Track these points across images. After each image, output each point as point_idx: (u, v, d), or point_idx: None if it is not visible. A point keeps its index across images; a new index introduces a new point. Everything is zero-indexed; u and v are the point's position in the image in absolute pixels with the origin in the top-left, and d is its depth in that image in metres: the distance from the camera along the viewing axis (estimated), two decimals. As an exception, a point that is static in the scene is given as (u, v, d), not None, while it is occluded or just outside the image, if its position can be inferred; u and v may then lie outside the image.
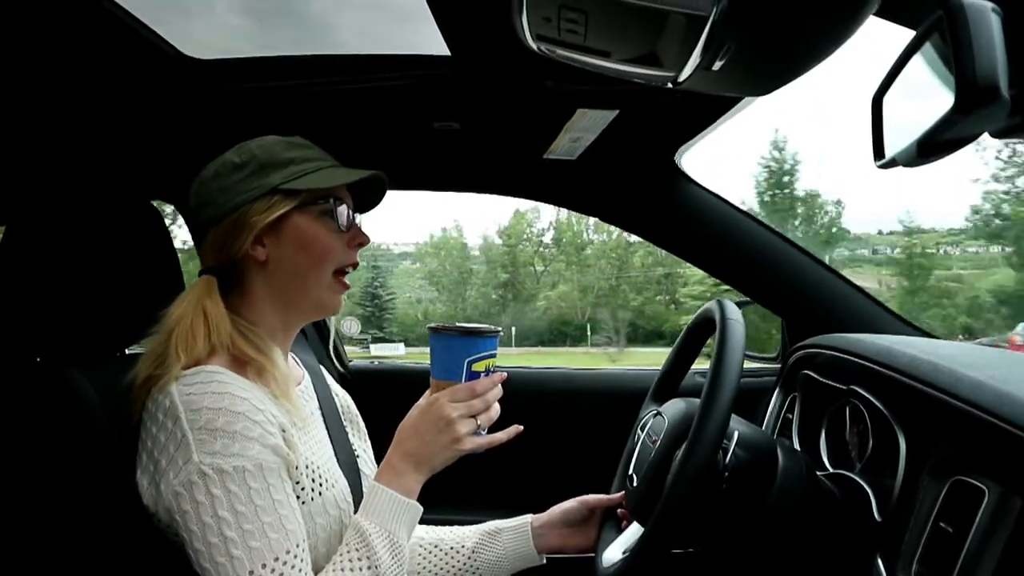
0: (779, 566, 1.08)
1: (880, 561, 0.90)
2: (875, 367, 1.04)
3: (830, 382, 1.21)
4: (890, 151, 0.68)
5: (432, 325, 0.96)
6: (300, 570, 0.84)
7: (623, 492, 1.19)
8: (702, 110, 1.29)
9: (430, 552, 1.20)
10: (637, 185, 1.56)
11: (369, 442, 1.18)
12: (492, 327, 0.96)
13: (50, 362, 0.93)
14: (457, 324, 0.96)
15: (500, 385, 0.97)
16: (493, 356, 0.97)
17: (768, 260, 1.58)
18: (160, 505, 0.84)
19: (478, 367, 0.94)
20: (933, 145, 0.54)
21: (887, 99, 0.72)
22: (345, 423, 1.13)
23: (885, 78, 0.69)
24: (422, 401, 0.97)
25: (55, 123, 1.40)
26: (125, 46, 1.14)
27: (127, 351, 1.07)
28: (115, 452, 0.90)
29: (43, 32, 1.09)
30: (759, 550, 1.05)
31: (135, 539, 0.86)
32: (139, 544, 0.86)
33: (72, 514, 0.89)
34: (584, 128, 1.29)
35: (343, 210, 1.01)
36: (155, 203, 1.25)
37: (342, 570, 0.87)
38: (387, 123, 1.40)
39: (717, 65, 0.59)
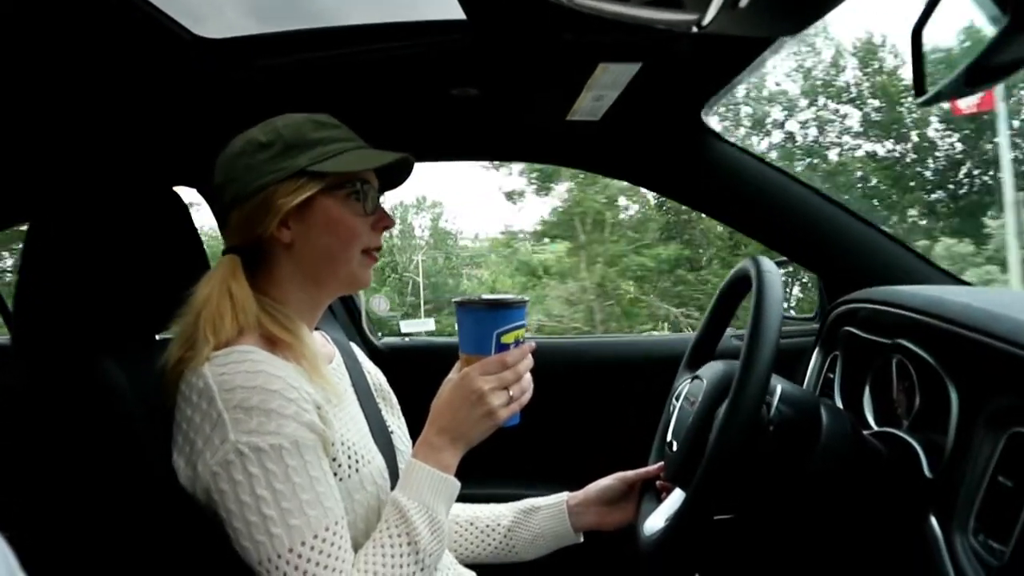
0: (825, 529, 1.05)
1: (934, 519, 0.86)
2: (924, 318, 0.99)
3: (874, 337, 1.16)
4: (933, 85, 0.64)
5: (458, 299, 0.94)
6: (340, 547, 0.84)
7: (661, 463, 1.18)
8: (727, 60, 1.24)
9: (466, 530, 1.20)
10: (663, 144, 1.51)
11: (403, 419, 1.17)
12: (519, 297, 0.94)
13: (81, 351, 0.94)
14: (483, 296, 0.94)
15: (531, 356, 0.95)
16: (522, 327, 0.94)
17: (802, 216, 1.53)
18: (198, 486, 0.85)
19: (507, 339, 0.93)
20: (984, 71, 0.50)
21: (927, 31, 0.68)
22: (378, 400, 1.12)
23: (925, 8, 0.65)
24: (453, 376, 0.95)
25: (74, 114, 1.40)
26: (139, 30, 1.13)
27: (159, 337, 1.07)
28: (148, 437, 0.90)
29: (58, 23, 1.08)
30: (804, 513, 1.03)
31: (174, 521, 0.87)
32: (178, 525, 0.86)
33: (107, 499, 0.90)
34: (607, 85, 1.25)
35: (370, 193, 0.99)
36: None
37: (382, 546, 0.86)
38: (404, 93, 1.38)
39: (743, 2, 0.55)
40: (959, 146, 16.25)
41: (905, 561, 0.93)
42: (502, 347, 0.93)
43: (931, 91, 0.64)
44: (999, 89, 10.26)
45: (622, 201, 15.33)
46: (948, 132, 16.36)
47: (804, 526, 1.07)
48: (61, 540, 0.89)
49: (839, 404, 1.24)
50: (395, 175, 1.07)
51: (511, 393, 0.92)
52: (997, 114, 10.27)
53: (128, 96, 1.35)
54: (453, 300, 0.95)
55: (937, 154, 16.60)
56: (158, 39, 1.16)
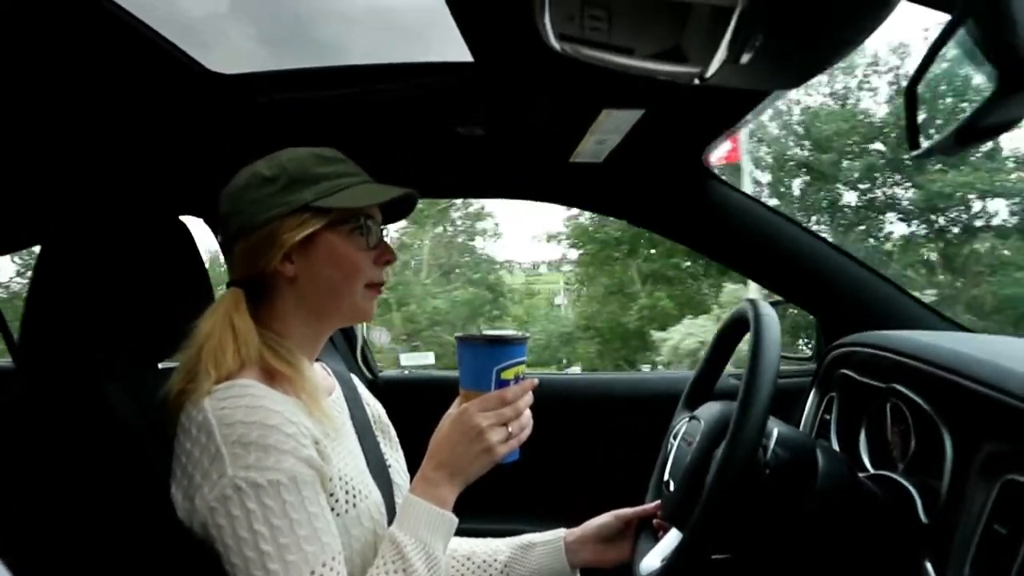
0: (822, 571, 1.05)
1: (929, 565, 0.87)
2: (916, 363, 1.01)
3: (869, 380, 1.18)
4: (925, 141, 0.66)
5: (459, 335, 0.95)
6: None
7: (658, 502, 1.18)
8: (729, 106, 1.27)
9: (463, 565, 1.19)
10: (665, 186, 1.54)
11: (401, 452, 1.17)
12: (519, 334, 0.95)
13: (85, 375, 0.94)
14: (484, 332, 0.96)
15: (531, 392, 0.96)
16: (522, 363, 0.95)
17: (800, 258, 1.55)
18: (195, 520, 0.84)
19: (507, 375, 0.93)
20: (973, 132, 0.52)
21: (921, 88, 0.70)
22: (377, 433, 1.12)
23: (919, 66, 0.67)
24: (452, 411, 0.96)
25: (87, 142, 1.42)
26: (153, 64, 1.16)
27: (162, 366, 1.08)
28: (152, 465, 0.90)
29: (73, 54, 1.11)
30: (800, 555, 1.03)
31: (171, 553, 0.86)
32: (175, 558, 0.86)
33: (108, 527, 0.89)
34: (610, 129, 1.28)
35: (373, 228, 1.00)
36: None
37: None
38: (411, 131, 1.41)
39: (745, 58, 0.57)
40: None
41: None
42: (502, 383, 0.93)
43: (924, 146, 0.66)
44: (744, 140, 10.40)
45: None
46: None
47: (800, 568, 1.06)
48: (60, 566, 0.89)
49: (835, 446, 1.24)
50: (398, 208, 1.08)
51: (510, 430, 0.92)
52: (741, 167, 10.43)
53: (139, 126, 1.37)
54: (455, 336, 0.96)
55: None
56: (171, 73, 1.19)
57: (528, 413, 0.95)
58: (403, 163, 1.53)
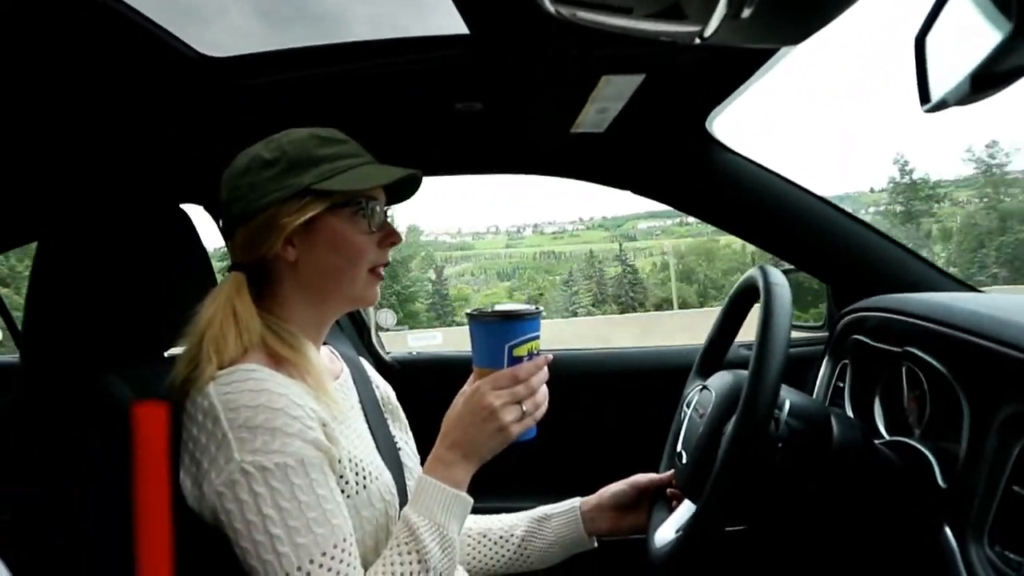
0: (839, 540, 1.04)
1: (949, 530, 0.85)
2: (932, 326, 0.99)
3: (883, 345, 1.16)
4: (937, 92, 0.63)
5: (470, 311, 0.93)
6: (349, 564, 0.83)
7: (672, 471, 1.17)
8: (731, 69, 1.24)
9: (479, 543, 1.19)
10: (669, 155, 1.51)
11: (411, 434, 1.17)
12: (531, 308, 0.92)
13: (87, 368, 0.94)
14: (495, 308, 0.93)
15: (546, 368, 0.94)
16: (535, 339, 0.93)
17: (810, 225, 1.52)
18: (205, 506, 0.84)
19: (520, 351, 0.91)
20: (990, 78, 0.49)
21: (930, 38, 0.67)
22: (386, 415, 1.12)
23: (928, 16, 0.64)
24: (466, 389, 0.94)
25: (82, 133, 1.41)
26: (145, 51, 1.14)
27: (167, 354, 1.07)
28: None
29: (63, 43, 1.09)
30: (816, 524, 1.02)
31: (181, 541, 0.86)
32: (185, 546, 0.86)
33: (112, 518, 0.89)
34: (610, 97, 1.25)
35: (376, 210, 0.98)
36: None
37: (391, 563, 0.86)
38: (409, 107, 1.38)
39: (746, 13, 0.55)
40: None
41: (920, 572, 0.91)
42: (515, 360, 0.91)
43: (936, 99, 0.63)
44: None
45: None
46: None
47: (817, 537, 1.05)
48: (66, 560, 0.89)
49: (849, 413, 1.23)
50: (402, 189, 1.06)
51: (524, 408, 0.90)
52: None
53: (135, 115, 1.36)
54: (466, 312, 0.94)
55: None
56: (164, 59, 1.17)
57: (544, 390, 0.93)
58: (402, 141, 1.51)
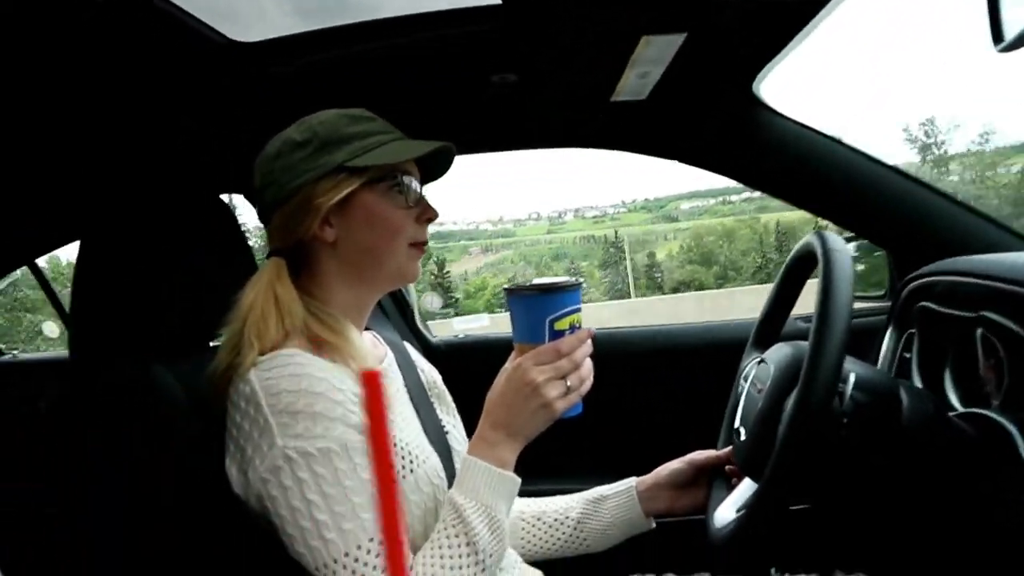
0: (908, 519, 0.98)
1: None
2: (1010, 287, 0.92)
3: (954, 311, 1.09)
4: (1012, 30, 0.58)
5: (507, 286, 0.89)
6: None
7: (730, 448, 1.13)
8: (778, 26, 1.17)
9: (533, 526, 1.17)
10: (715, 120, 1.45)
11: (458, 417, 1.15)
12: (571, 280, 0.88)
13: (134, 359, 0.94)
14: (533, 282, 0.90)
15: (590, 341, 0.90)
16: (577, 311, 0.89)
17: (867, 189, 1.45)
18: (250, 493, 0.83)
19: (561, 325, 0.87)
20: None
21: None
22: (432, 399, 1.10)
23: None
24: (507, 366, 0.91)
25: (117, 128, 1.42)
26: (173, 40, 1.13)
27: (213, 344, 1.07)
28: (200, 444, 0.90)
29: (94, 37, 1.09)
30: (884, 502, 0.97)
31: (228, 529, 0.86)
32: (232, 533, 0.86)
33: (160, 507, 0.89)
34: (651, 60, 1.19)
35: (411, 185, 0.97)
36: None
37: (439, 547, 0.84)
38: (443, 83, 1.35)
39: None
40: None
41: (1000, 551, 0.86)
42: (556, 334, 0.88)
43: (1011, 36, 0.58)
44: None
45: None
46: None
47: (886, 516, 1.00)
48: (116, 549, 0.90)
49: (918, 385, 1.16)
50: (436, 166, 1.04)
51: (568, 383, 0.87)
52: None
53: (168, 106, 1.36)
54: (503, 288, 0.91)
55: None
56: (192, 46, 1.16)
57: (588, 364, 0.89)
58: (437, 120, 1.48)
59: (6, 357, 2.53)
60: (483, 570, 0.84)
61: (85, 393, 0.96)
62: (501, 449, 0.88)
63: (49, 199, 1.73)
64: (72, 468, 0.92)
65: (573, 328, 0.89)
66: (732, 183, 1.64)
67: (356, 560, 0.79)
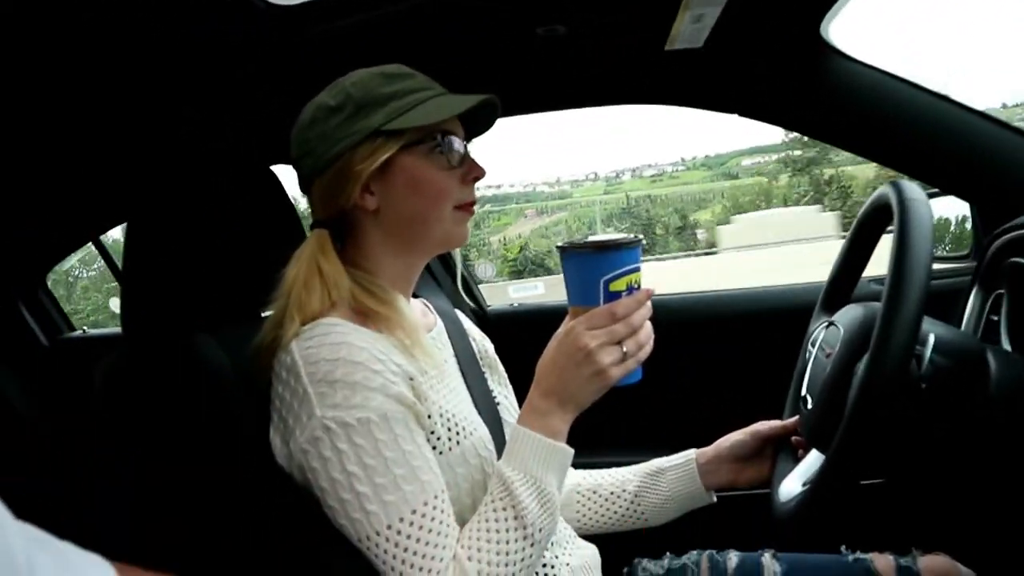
0: (995, 497, 0.90)
1: None
2: None
3: None
4: None
5: (560, 244, 0.83)
6: (441, 522, 0.79)
7: (796, 418, 1.06)
8: None
9: (588, 499, 1.14)
10: (778, 68, 1.34)
11: (511, 388, 1.12)
12: (629, 237, 0.82)
13: (183, 331, 0.94)
14: (589, 239, 0.83)
15: (650, 304, 0.83)
16: (635, 271, 0.83)
17: (949, 138, 1.32)
18: (293, 464, 0.82)
19: (617, 286, 0.81)
20: None
21: None
22: (483, 369, 1.07)
23: None
24: (560, 331, 0.86)
25: (165, 101, 1.42)
26: (215, 8, 1.11)
27: (264, 314, 1.07)
28: (246, 415, 0.89)
29: (141, 7, 1.08)
30: (970, 478, 0.89)
31: (273, 500, 0.85)
32: (276, 505, 0.85)
33: (206, 479, 0.89)
34: (706, 1, 1.10)
35: (454, 144, 0.92)
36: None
37: (486, 521, 0.81)
38: (488, 37, 1.29)
39: None
40: None
41: None
42: (612, 296, 0.81)
43: None
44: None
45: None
46: None
47: (971, 492, 0.92)
48: (161, 521, 0.90)
49: (1007, 348, 1.07)
50: (480, 120, 0.99)
51: (624, 348, 0.81)
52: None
53: (215, 77, 1.35)
54: (556, 245, 0.85)
55: None
56: (235, 14, 1.14)
57: (648, 328, 0.83)
58: (482, 78, 1.42)
59: (76, 333, 2.64)
60: (531, 545, 0.81)
61: (133, 363, 0.96)
62: (552, 418, 0.83)
63: (105, 174, 1.76)
64: (118, 437, 0.93)
65: (631, 289, 0.82)
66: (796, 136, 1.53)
67: (399, 533, 0.77)
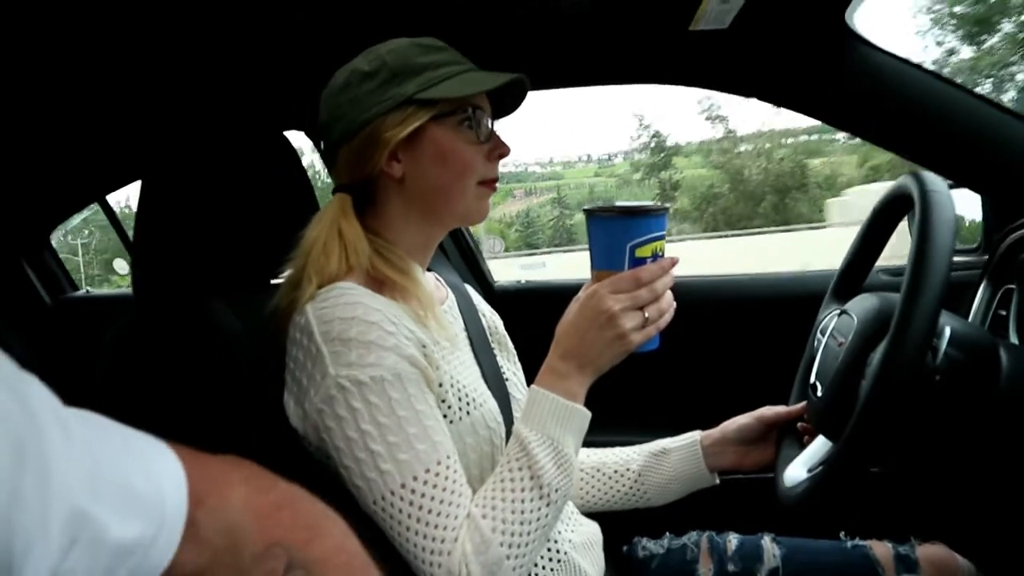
0: (998, 490, 0.91)
1: None
2: None
3: None
4: None
5: (587, 207, 0.83)
6: (455, 481, 0.79)
7: (803, 404, 1.07)
8: None
9: (592, 476, 1.15)
10: (803, 53, 1.33)
11: (519, 365, 1.12)
12: (656, 204, 0.82)
13: (194, 296, 0.94)
14: (616, 203, 0.83)
15: (673, 272, 0.84)
16: (660, 238, 0.82)
17: (965, 129, 1.31)
18: (307, 425, 0.83)
19: (643, 252, 0.81)
20: None
21: None
22: (493, 344, 1.07)
23: None
24: (581, 294, 0.85)
25: (179, 63, 1.40)
26: None
27: (275, 281, 1.07)
28: (259, 379, 0.89)
29: None
30: (973, 470, 0.90)
31: (285, 463, 0.86)
32: (290, 468, 0.85)
33: (217, 442, 0.90)
34: (736, -18, 1.08)
35: (483, 120, 0.92)
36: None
37: (502, 481, 0.81)
38: (508, 11, 1.27)
39: None
40: None
41: None
42: (637, 261, 0.81)
43: None
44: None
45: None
46: None
47: (974, 484, 0.93)
48: None
49: (1017, 343, 1.07)
50: (507, 101, 0.99)
51: (647, 315, 0.81)
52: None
53: (230, 42, 1.33)
54: (583, 208, 0.85)
55: None
56: None
57: (669, 296, 0.84)
58: (503, 53, 1.41)
59: (80, 292, 2.63)
60: (548, 505, 0.81)
61: (145, 327, 0.96)
62: (571, 381, 0.84)
63: (115, 135, 1.74)
64: (133, 398, 0.93)
65: (656, 256, 0.82)
66: (791, 123, 1.51)
67: (413, 492, 0.77)
